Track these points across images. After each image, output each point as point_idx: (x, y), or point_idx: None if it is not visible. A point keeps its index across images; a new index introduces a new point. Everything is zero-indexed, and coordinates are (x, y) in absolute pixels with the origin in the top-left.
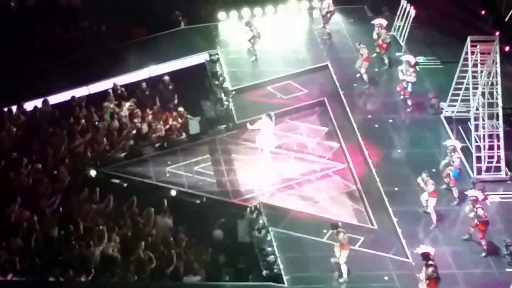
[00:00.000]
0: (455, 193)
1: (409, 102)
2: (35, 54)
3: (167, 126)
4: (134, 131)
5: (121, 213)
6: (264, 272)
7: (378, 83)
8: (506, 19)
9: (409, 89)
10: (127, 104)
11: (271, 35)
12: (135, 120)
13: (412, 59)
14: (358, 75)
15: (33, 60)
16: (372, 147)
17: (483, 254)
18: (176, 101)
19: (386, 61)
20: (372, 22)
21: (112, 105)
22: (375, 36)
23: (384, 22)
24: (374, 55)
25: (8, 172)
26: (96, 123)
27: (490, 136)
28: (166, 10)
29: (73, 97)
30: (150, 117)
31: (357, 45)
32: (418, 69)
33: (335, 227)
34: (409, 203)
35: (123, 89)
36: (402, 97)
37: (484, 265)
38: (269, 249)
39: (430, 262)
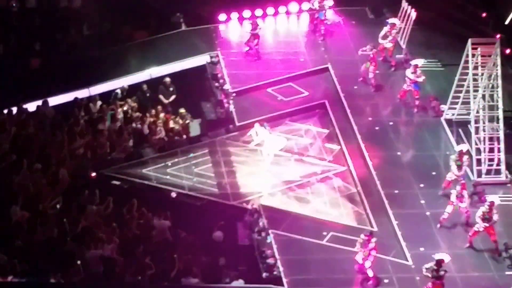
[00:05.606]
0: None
1: (417, 102)
2: (35, 55)
3: (168, 128)
4: (135, 133)
5: (121, 215)
6: (264, 275)
7: (379, 85)
8: (507, 22)
9: (415, 87)
10: (128, 106)
11: (271, 37)
12: (136, 122)
13: (420, 62)
14: (360, 79)
15: (33, 62)
16: (373, 149)
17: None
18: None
19: (393, 63)
20: (386, 20)
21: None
22: (382, 33)
23: (397, 22)
24: (381, 58)
25: (8, 174)
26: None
27: (491, 139)
28: (167, 12)
29: (76, 99)
30: (151, 118)
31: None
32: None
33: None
34: (409, 206)
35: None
36: (399, 100)
37: (484, 268)
38: (269, 251)
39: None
